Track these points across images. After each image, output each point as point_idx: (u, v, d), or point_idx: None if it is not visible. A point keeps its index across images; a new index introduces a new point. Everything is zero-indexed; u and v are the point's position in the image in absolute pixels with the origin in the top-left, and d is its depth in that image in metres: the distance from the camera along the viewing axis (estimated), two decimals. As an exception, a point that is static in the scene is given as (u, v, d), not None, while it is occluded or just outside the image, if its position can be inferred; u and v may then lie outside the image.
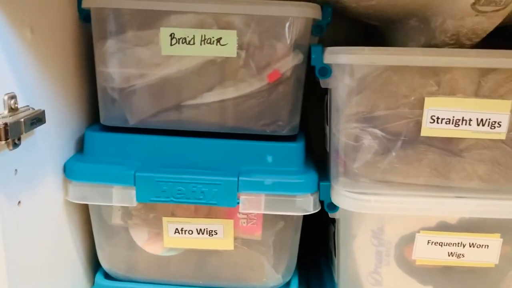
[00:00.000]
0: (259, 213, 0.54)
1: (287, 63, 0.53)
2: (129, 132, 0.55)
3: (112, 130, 0.56)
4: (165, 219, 0.55)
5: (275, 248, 0.58)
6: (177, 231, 0.56)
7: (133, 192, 0.52)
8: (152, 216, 0.56)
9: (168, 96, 0.54)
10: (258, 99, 0.54)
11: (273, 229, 0.57)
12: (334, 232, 0.58)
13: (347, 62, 0.47)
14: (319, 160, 0.59)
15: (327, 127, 0.55)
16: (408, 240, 0.52)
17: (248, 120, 0.54)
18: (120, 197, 0.53)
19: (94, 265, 0.63)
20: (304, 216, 0.58)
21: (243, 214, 0.55)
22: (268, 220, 0.56)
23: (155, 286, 0.58)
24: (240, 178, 0.51)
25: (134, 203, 0.52)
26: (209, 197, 0.52)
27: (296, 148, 0.54)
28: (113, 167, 0.52)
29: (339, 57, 0.47)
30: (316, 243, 0.73)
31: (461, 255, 0.50)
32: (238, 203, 0.52)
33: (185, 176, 0.51)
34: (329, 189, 0.53)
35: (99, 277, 0.60)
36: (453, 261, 0.51)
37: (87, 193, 0.53)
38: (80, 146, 0.57)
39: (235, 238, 0.56)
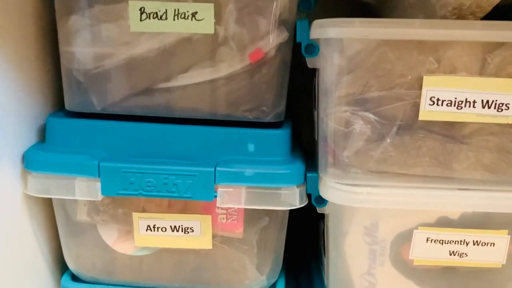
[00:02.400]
0: (239, 207, 0.49)
1: (271, 41, 0.47)
2: (97, 118, 0.50)
3: (78, 116, 0.50)
4: (135, 215, 0.50)
5: (259, 247, 0.52)
6: (149, 228, 0.50)
7: (98, 184, 0.46)
8: (121, 212, 0.50)
9: (138, 78, 0.48)
10: (239, 81, 0.48)
11: (256, 226, 0.52)
12: (324, 229, 0.53)
13: (336, 36, 0.41)
14: (308, 151, 0.53)
15: (315, 113, 0.50)
16: (405, 237, 0.46)
17: (228, 105, 0.49)
18: (84, 190, 0.47)
19: (61, 267, 0.57)
20: (291, 212, 0.53)
21: (222, 209, 0.50)
22: (251, 216, 0.51)
23: (127, 290, 0.53)
24: (218, 168, 0.46)
25: (99, 196, 0.47)
26: (183, 190, 0.46)
27: (281, 136, 0.49)
28: (76, 156, 0.47)
29: (327, 30, 0.42)
30: (306, 243, 0.67)
31: (464, 254, 0.45)
32: (216, 196, 0.47)
33: (156, 167, 0.46)
34: (317, 180, 0.48)
35: (65, 280, 0.54)
36: (455, 261, 0.45)
37: (48, 185, 0.48)
38: (43, 135, 0.52)
39: (214, 236, 0.51)
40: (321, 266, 0.58)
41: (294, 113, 0.57)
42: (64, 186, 0.47)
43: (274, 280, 0.55)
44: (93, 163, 0.46)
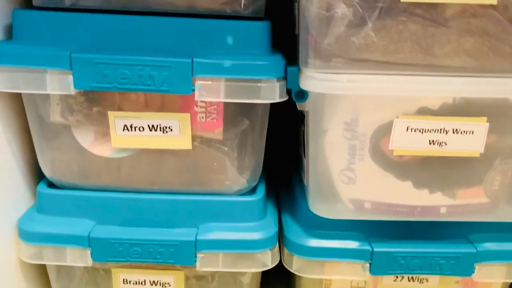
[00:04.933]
0: (218, 102, 0.48)
1: None
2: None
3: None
4: (111, 114, 0.48)
5: (239, 150, 0.52)
6: (126, 128, 0.49)
7: (70, 77, 0.44)
8: (96, 111, 0.49)
9: (109, -33, 0.46)
10: (215, -29, 0.46)
11: (236, 129, 0.51)
12: (304, 131, 0.53)
13: None
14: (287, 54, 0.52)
15: (296, 5, 0.48)
16: (385, 130, 0.46)
17: (205, -2, 0.47)
18: (56, 84, 0.45)
19: (37, 176, 0.56)
20: (273, 121, 0.52)
21: (201, 107, 0.49)
22: (230, 119, 0.50)
23: (105, 193, 0.52)
24: (195, 59, 0.44)
25: (72, 90, 0.45)
26: (159, 82, 0.45)
27: (261, 28, 0.47)
28: (46, 48, 0.45)
29: None
30: (287, 157, 0.67)
31: (443, 143, 0.45)
32: (194, 90, 0.45)
33: (130, 57, 0.44)
34: (298, 74, 0.47)
35: (41, 187, 0.53)
36: (434, 150, 0.46)
37: (17, 80, 0.45)
38: (10, 33, 0.49)
39: (194, 137, 0.50)
40: (301, 171, 0.58)
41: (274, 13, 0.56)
42: (34, 80, 0.45)
43: (255, 183, 0.55)
44: (64, 54, 0.44)
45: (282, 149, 0.66)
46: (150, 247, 0.50)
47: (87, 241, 0.50)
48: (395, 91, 0.43)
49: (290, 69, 0.47)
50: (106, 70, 0.44)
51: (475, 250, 0.50)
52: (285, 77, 0.47)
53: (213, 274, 0.55)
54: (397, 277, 0.54)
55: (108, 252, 0.50)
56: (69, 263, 0.51)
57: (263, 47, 0.47)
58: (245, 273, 0.55)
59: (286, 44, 0.53)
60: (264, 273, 0.57)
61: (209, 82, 0.45)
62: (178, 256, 0.50)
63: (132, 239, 0.50)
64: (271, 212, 0.56)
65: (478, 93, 0.43)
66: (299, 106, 0.49)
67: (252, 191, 0.55)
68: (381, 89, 0.43)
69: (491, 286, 0.56)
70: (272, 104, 0.51)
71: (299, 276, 0.55)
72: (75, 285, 0.56)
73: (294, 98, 0.48)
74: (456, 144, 0.45)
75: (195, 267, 0.51)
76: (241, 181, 0.53)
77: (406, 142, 0.45)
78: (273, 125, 0.55)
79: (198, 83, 0.45)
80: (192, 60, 0.44)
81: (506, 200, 0.49)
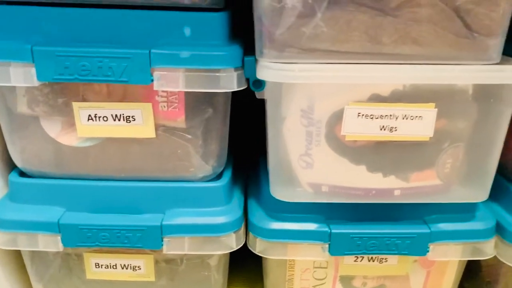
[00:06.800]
0: (179, 91, 0.50)
1: None
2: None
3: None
4: (75, 105, 0.50)
5: (203, 138, 0.54)
6: (90, 118, 0.50)
7: (33, 70, 0.46)
8: (61, 102, 0.50)
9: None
10: (172, -38, 0.47)
11: (199, 117, 0.53)
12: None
13: None
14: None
15: (253, -4, 0.50)
16: (339, 117, 0.48)
17: (163, -11, 0.48)
18: (20, 76, 0.46)
19: (10, 165, 0.58)
20: (237, 109, 0.54)
21: (162, 97, 0.50)
22: (193, 107, 0.52)
23: (74, 181, 0.54)
24: (152, 50, 0.46)
25: (35, 82, 0.46)
26: (118, 73, 0.46)
27: (218, 18, 0.48)
28: (8, 42, 0.46)
29: None
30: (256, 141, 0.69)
31: (393, 129, 0.47)
32: (153, 80, 0.47)
33: (89, 49, 0.45)
34: (254, 64, 0.48)
35: (13, 176, 0.55)
36: (385, 136, 0.47)
37: (-19, 73, 0.47)
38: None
39: (157, 125, 0.52)
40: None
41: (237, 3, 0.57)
42: (-2, 73, 0.47)
43: (220, 169, 0.56)
44: (26, 47, 0.45)
45: (251, 134, 0.68)
46: (118, 232, 0.52)
47: (57, 227, 0.52)
48: (345, 79, 0.45)
49: (247, 59, 0.48)
50: (67, 62, 0.46)
51: (429, 230, 0.53)
52: (243, 67, 0.49)
53: (182, 257, 0.57)
54: (357, 257, 0.56)
55: (78, 238, 0.52)
56: (41, 248, 0.53)
57: (220, 37, 0.49)
58: (212, 255, 0.57)
59: (249, 34, 0.54)
60: (235, 255, 0.59)
61: (167, 73, 0.47)
62: (145, 240, 0.53)
63: (100, 225, 0.52)
64: (238, 197, 0.58)
65: (426, 80, 0.45)
66: (258, 94, 0.50)
67: (218, 176, 0.57)
68: (332, 77, 0.45)
69: (448, 265, 0.58)
70: (238, 91, 0.53)
71: (266, 257, 0.57)
72: (50, 270, 0.59)
73: (252, 87, 0.49)
74: (406, 129, 0.47)
75: (162, 250, 0.53)
76: (206, 168, 0.55)
77: (357, 128, 0.47)
78: (242, 110, 0.56)
79: (157, 73, 0.47)
80: (150, 51, 0.46)
81: (458, 181, 0.51)
